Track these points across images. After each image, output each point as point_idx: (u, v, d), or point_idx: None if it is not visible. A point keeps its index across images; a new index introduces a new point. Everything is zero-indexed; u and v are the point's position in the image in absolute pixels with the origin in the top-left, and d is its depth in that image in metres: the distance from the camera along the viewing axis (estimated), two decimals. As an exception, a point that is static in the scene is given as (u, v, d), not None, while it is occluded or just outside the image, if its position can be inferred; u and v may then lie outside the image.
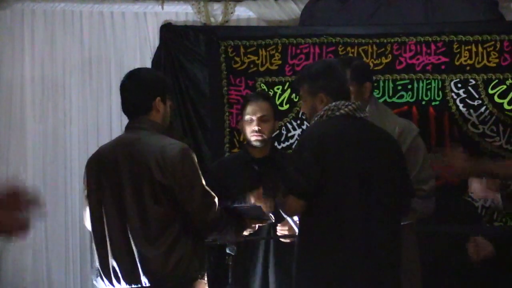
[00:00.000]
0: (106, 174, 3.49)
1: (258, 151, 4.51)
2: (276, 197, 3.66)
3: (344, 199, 3.44)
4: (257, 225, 3.79)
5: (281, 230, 4.26)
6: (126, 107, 3.62)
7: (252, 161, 4.48)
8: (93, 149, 5.56)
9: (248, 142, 4.56)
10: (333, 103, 3.56)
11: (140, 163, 3.42)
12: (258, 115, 4.51)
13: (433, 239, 5.12)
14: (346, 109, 3.55)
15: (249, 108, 4.54)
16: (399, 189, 3.58)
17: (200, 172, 3.49)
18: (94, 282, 3.58)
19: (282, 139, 5.52)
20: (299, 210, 3.46)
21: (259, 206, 3.75)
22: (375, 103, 4.25)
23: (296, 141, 3.59)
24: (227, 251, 3.87)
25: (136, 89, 3.59)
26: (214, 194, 3.50)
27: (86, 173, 3.60)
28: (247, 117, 4.52)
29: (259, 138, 4.48)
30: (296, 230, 3.85)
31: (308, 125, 5.41)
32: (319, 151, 3.43)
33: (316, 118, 3.58)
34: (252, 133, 4.49)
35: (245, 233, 3.75)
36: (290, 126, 5.54)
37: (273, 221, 3.87)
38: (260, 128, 4.47)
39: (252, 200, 4.20)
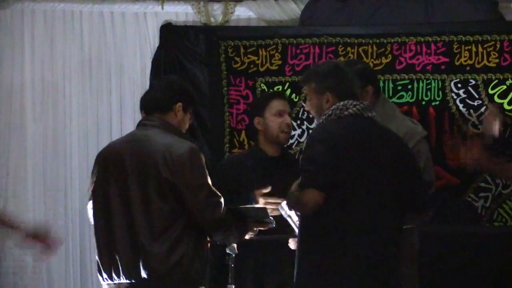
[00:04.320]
0: (113, 169, 3.52)
1: (273, 149, 4.47)
2: (289, 194, 3.64)
3: (351, 198, 3.44)
4: (258, 229, 3.79)
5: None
6: (147, 103, 3.66)
7: (265, 158, 4.45)
8: (93, 149, 5.62)
9: (270, 136, 4.46)
10: (341, 103, 3.57)
11: (147, 159, 3.44)
12: (288, 110, 4.49)
13: (433, 239, 5.12)
14: (354, 108, 3.56)
15: (276, 103, 4.47)
16: (410, 188, 3.57)
17: (207, 172, 3.50)
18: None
19: (282, 139, 5.51)
20: (319, 202, 3.42)
21: (264, 207, 3.74)
22: (382, 106, 4.22)
23: (306, 140, 3.58)
24: (227, 251, 3.86)
25: (163, 87, 3.67)
26: (220, 195, 3.52)
27: (94, 167, 3.62)
28: (275, 110, 4.44)
29: (289, 132, 4.45)
30: (296, 230, 3.85)
31: (309, 124, 5.46)
32: (329, 148, 3.44)
33: (324, 117, 3.59)
34: (282, 126, 4.43)
35: (247, 236, 3.75)
36: (290, 126, 5.54)
37: (274, 225, 3.86)
38: (290, 124, 4.46)
39: (259, 199, 4.18)
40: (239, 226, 3.63)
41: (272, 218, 3.75)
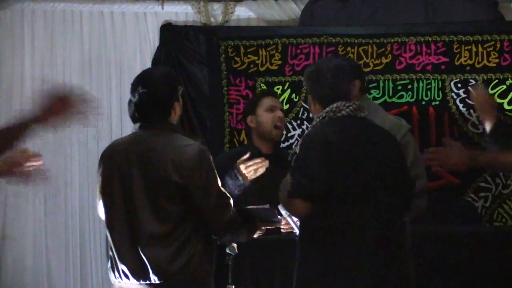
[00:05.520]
0: (118, 171, 3.48)
1: (266, 146, 4.48)
2: (281, 198, 3.65)
3: (350, 200, 3.44)
4: (266, 228, 3.79)
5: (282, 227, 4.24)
6: (143, 117, 3.56)
7: (259, 156, 4.44)
8: (93, 149, 5.62)
9: (263, 133, 4.48)
10: (335, 104, 3.57)
11: (155, 162, 3.42)
12: (279, 106, 4.51)
13: (433, 239, 5.12)
14: (347, 109, 3.57)
15: (267, 100, 4.51)
16: (401, 187, 3.58)
17: (216, 173, 3.49)
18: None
19: (282, 139, 5.51)
20: (306, 212, 3.45)
21: (272, 208, 3.74)
22: (366, 103, 4.23)
23: (300, 143, 3.59)
24: (227, 251, 3.86)
25: (155, 104, 3.53)
26: (229, 196, 3.51)
27: (99, 165, 3.58)
28: (266, 106, 4.47)
29: (282, 126, 4.47)
30: (296, 230, 3.85)
31: (309, 124, 5.45)
32: (324, 153, 3.44)
33: (318, 120, 3.59)
34: (275, 120, 4.45)
35: (255, 236, 3.75)
36: (290, 126, 5.54)
37: (281, 224, 3.86)
38: (282, 117, 4.47)
39: (239, 166, 4.20)
40: (247, 226, 3.63)
41: (280, 218, 3.75)
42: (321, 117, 3.58)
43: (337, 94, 3.61)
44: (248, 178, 4.20)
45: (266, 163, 4.18)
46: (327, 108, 3.57)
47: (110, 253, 3.53)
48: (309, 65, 4.06)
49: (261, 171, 4.20)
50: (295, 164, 3.52)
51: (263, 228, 3.76)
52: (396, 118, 4.40)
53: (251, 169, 4.19)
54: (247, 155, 4.22)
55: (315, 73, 3.68)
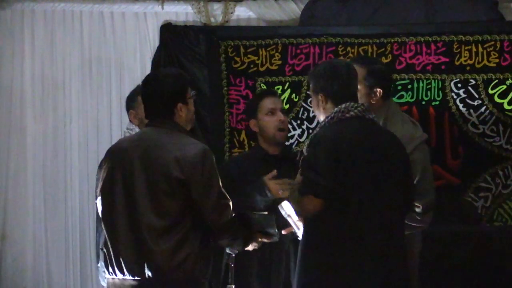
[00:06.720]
0: (121, 167, 3.52)
1: (273, 148, 4.45)
2: (290, 197, 3.66)
3: (355, 201, 3.45)
4: (262, 240, 3.78)
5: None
6: (148, 114, 3.64)
7: (267, 157, 4.43)
8: (93, 149, 5.62)
9: (268, 137, 4.44)
10: (343, 105, 3.58)
11: (158, 158, 3.45)
12: (279, 107, 4.47)
13: (433, 239, 5.12)
14: (355, 111, 3.59)
15: (267, 102, 4.45)
16: (401, 190, 3.59)
17: (218, 173, 3.51)
18: (100, 280, 3.58)
19: (282, 139, 5.51)
20: (318, 209, 3.45)
21: (272, 215, 3.74)
22: (387, 109, 4.19)
23: (308, 143, 3.58)
24: (227, 251, 3.87)
25: (156, 99, 3.59)
26: (229, 198, 3.52)
27: (102, 163, 3.63)
28: (267, 109, 4.43)
29: (285, 129, 4.43)
30: (297, 230, 3.85)
31: (309, 124, 5.46)
32: (332, 152, 3.45)
33: (327, 120, 3.60)
34: (277, 124, 4.40)
35: (250, 247, 3.76)
36: (290, 126, 5.52)
37: (278, 239, 3.83)
38: (284, 119, 4.43)
39: (269, 183, 4.18)
40: (244, 234, 3.64)
41: (277, 231, 3.74)
42: (329, 117, 3.59)
43: (348, 91, 3.62)
44: (277, 196, 4.17)
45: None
46: (336, 109, 3.59)
47: (105, 250, 3.54)
48: (318, 64, 4.03)
49: (286, 193, 4.13)
50: (304, 164, 3.53)
51: (259, 240, 3.75)
52: (413, 126, 4.28)
53: (281, 187, 4.16)
54: (274, 172, 4.22)
55: (329, 70, 3.68)
